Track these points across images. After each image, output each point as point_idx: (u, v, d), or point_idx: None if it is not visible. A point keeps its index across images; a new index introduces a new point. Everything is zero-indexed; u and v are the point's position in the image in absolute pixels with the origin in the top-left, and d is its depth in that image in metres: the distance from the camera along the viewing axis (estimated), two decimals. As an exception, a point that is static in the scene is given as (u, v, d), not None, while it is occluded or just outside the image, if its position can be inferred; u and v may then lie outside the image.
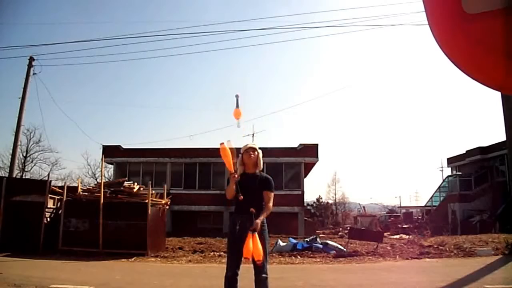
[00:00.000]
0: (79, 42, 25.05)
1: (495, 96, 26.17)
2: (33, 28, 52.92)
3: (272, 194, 3.53)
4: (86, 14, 61.86)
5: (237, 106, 3.68)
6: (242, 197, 3.32)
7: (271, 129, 77.50)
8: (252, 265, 3.40)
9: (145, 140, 78.96)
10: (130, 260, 9.11)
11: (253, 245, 3.12)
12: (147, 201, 9.97)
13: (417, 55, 75.12)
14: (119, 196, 10.38)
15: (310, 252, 10.14)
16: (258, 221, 3.25)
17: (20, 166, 30.72)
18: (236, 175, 3.37)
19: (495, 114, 62.60)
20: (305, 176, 22.72)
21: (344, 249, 10.60)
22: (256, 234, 3.17)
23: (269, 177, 3.60)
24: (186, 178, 22.02)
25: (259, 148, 3.67)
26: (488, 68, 1.21)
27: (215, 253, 10.19)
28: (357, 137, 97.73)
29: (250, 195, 3.40)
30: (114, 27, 64.04)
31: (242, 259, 3.44)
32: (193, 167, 21.91)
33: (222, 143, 3.49)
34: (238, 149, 3.61)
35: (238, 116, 3.68)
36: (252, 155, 3.56)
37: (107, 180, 21.48)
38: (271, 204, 3.47)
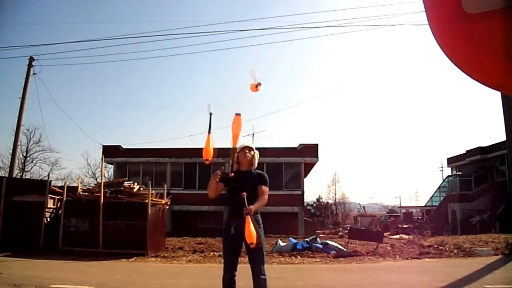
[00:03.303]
0: (79, 42, 25.05)
1: (495, 96, 26.17)
2: (33, 28, 52.95)
3: (267, 188, 3.49)
4: (86, 14, 61.85)
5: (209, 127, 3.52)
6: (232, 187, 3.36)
7: (271, 129, 77.43)
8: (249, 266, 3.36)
9: (145, 140, 78.96)
10: (130, 260, 9.11)
11: (246, 228, 3.07)
12: (147, 201, 9.97)
13: (417, 55, 75.19)
14: (119, 196, 10.38)
15: (310, 252, 10.13)
16: (252, 206, 3.19)
17: (20, 166, 30.72)
18: (219, 173, 3.39)
19: (495, 114, 62.57)
20: (305, 176, 22.72)
21: (344, 249, 10.60)
22: (249, 218, 3.12)
23: (263, 173, 3.62)
24: (186, 178, 22.02)
25: (257, 148, 3.67)
26: (488, 68, 1.21)
27: (215, 253, 10.19)
28: (357, 137, 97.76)
29: (245, 192, 3.34)
30: (114, 27, 64.07)
31: (239, 260, 3.42)
32: (193, 167, 21.90)
33: (237, 114, 3.46)
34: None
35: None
36: (248, 154, 3.57)
37: (107, 180, 21.48)
38: (266, 196, 3.43)
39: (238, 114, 3.49)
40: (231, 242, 3.38)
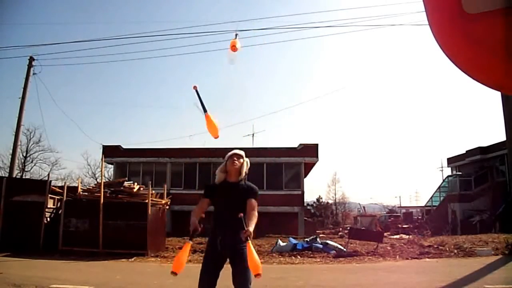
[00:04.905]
0: (79, 42, 25.10)
1: (495, 96, 26.18)
2: (33, 28, 52.98)
3: (256, 203, 3.15)
4: (86, 14, 61.84)
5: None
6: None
7: (271, 129, 77.35)
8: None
9: (145, 140, 78.89)
10: (130, 260, 9.12)
11: (249, 257, 2.75)
12: (147, 201, 9.98)
13: (417, 55, 75.05)
14: (119, 196, 10.39)
15: (310, 252, 10.14)
16: (250, 228, 2.85)
17: (20, 166, 30.72)
18: (199, 229, 3.02)
19: (495, 114, 62.50)
20: (305, 176, 22.72)
21: (344, 249, 10.60)
22: (250, 244, 2.78)
23: (253, 185, 3.26)
24: (186, 178, 22.02)
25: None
26: (488, 68, 1.21)
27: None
28: (357, 137, 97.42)
29: (231, 206, 3.08)
30: (114, 27, 64.02)
31: (218, 279, 3.10)
32: (193, 167, 21.90)
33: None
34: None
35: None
36: (236, 163, 3.23)
37: (107, 180, 21.48)
38: (255, 212, 3.07)
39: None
40: (215, 257, 3.09)
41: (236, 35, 3.39)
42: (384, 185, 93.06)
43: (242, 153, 3.33)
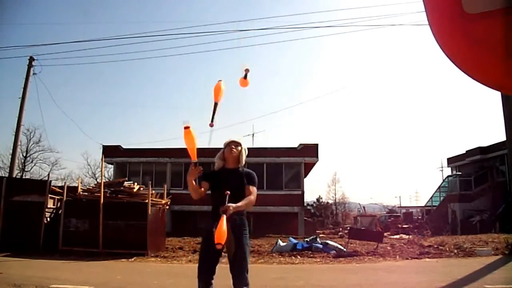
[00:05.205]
0: (79, 42, 25.12)
1: (495, 96, 26.17)
2: (33, 28, 53.00)
3: (255, 189, 3.16)
4: (86, 14, 61.82)
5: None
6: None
7: (271, 129, 77.43)
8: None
9: (145, 140, 79.01)
10: (130, 260, 9.12)
11: (218, 227, 2.74)
12: (147, 201, 9.97)
13: (417, 55, 75.06)
14: (119, 196, 10.39)
15: (310, 252, 10.13)
16: (232, 205, 2.86)
17: (20, 166, 30.76)
18: (196, 167, 3.02)
19: (495, 114, 62.55)
20: (305, 176, 22.72)
21: (344, 249, 10.60)
22: (224, 217, 2.78)
23: (252, 172, 3.26)
24: (186, 178, 22.02)
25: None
26: (488, 68, 1.21)
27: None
28: (357, 137, 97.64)
29: (230, 192, 3.07)
30: (114, 27, 64.08)
31: (218, 265, 3.10)
32: (193, 167, 21.88)
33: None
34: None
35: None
36: (234, 150, 3.23)
37: (107, 180, 21.48)
38: (253, 197, 3.09)
39: (187, 128, 3.00)
40: (211, 245, 3.04)
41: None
42: (384, 185, 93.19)
43: (240, 140, 3.32)
